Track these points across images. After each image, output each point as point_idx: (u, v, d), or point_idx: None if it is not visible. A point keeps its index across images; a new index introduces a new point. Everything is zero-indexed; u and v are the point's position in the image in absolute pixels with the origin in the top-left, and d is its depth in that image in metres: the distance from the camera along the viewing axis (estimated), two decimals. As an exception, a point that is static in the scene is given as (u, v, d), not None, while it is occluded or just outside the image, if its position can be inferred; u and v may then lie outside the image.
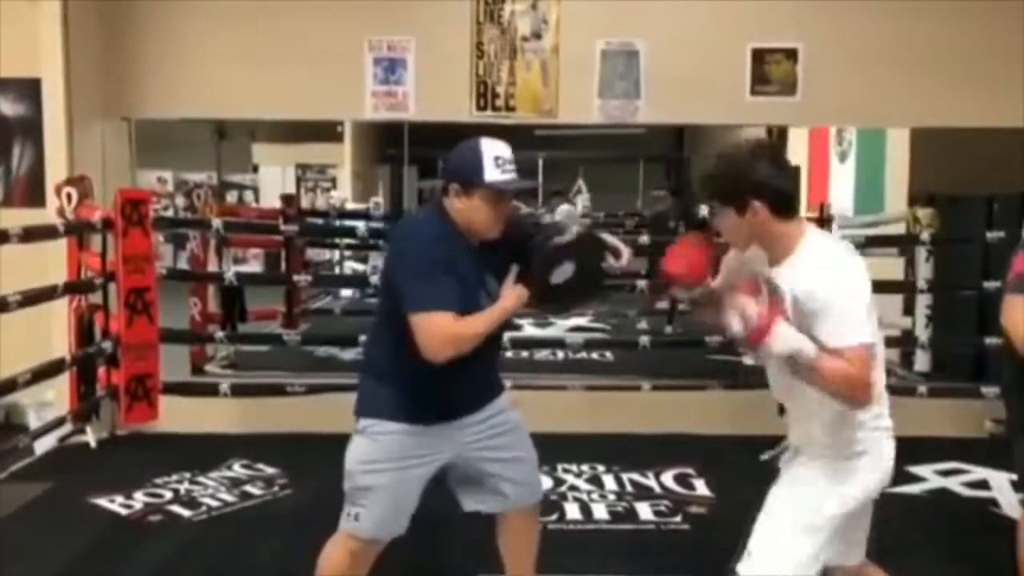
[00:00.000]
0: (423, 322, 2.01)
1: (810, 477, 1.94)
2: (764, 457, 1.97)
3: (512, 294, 2.14)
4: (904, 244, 5.77)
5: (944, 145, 5.36)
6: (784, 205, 1.87)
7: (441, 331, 2.01)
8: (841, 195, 7.83)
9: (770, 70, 4.58)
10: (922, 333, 5.54)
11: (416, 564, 2.32)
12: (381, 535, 2.20)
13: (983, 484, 3.88)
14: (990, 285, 4.76)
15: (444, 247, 2.08)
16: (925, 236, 5.12)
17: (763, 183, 1.85)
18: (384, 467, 2.15)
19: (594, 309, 8.03)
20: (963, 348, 5.17)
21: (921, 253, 5.42)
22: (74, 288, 4.28)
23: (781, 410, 3.22)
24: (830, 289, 1.78)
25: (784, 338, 1.75)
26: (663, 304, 8.14)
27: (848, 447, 1.91)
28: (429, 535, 2.28)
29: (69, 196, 4.24)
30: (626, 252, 2.26)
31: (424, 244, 2.10)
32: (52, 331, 4.36)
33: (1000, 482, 3.84)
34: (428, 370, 2.07)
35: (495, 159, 2.07)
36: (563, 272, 2.18)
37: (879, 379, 1.89)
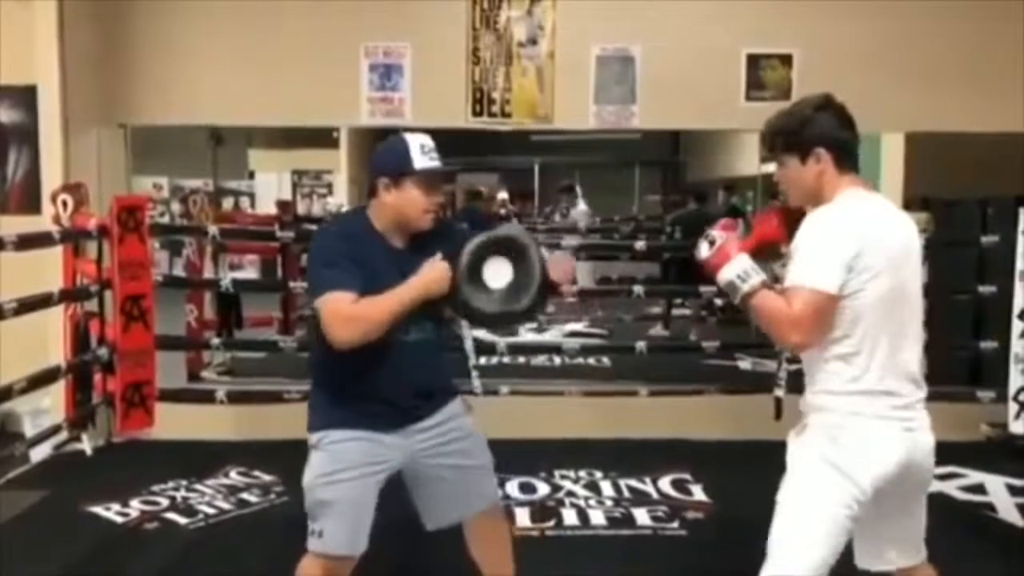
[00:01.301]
0: (321, 307, 2.00)
1: (807, 465, 1.89)
2: None
3: (434, 268, 2.08)
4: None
5: (938, 149, 5.37)
6: (846, 156, 1.91)
7: (337, 312, 1.98)
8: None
9: (765, 75, 4.59)
10: (918, 337, 5.53)
11: (403, 564, 2.30)
12: (342, 550, 2.15)
13: (979, 488, 3.89)
14: (985, 289, 4.78)
15: (352, 243, 2.08)
16: (920, 240, 5.12)
17: (828, 133, 1.90)
18: (341, 477, 2.12)
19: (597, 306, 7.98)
20: (959, 352, 5.17)
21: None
22: (70, 295, 4.27)
23: (778, 414, 3.24)
24: (807, 233, 1.83)
25: (735, 267, 1.83)
26: (658, 309, 8.16)
27: (825, 414, 1.87)
28: (416, 535, 2.27)
29: (65, 203, 4.23)
30: (568, 257, 2.25)
31: (329, 237, 2.15)
32: (48, 338, 4.35)
33: (996, 486, 3.85)
34: (362, 378, 2.08)
35: (421, 147, 2.13)
36: (499, 272, 2.12)
37: (866, 344, 1.83)
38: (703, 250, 1.91)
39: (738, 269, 1.85)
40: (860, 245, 1.81)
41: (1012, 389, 4.30)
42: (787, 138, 1.95)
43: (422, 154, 2.11)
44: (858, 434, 1.84)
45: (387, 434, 2.16)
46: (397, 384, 2.13)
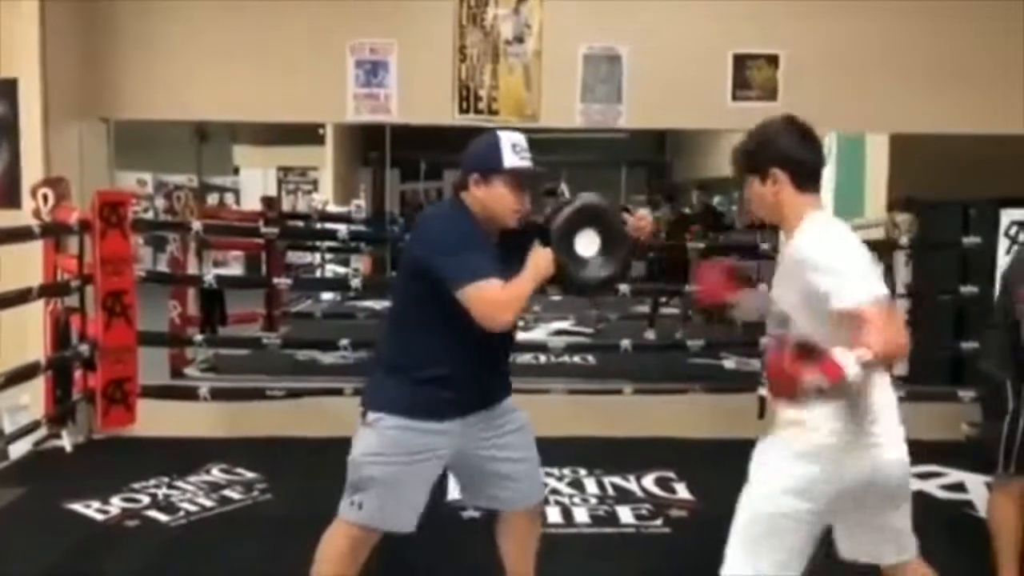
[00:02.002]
0: (475, 293, 2.03)
1: (764, 473, 1.92)
2: None
3: (539, 255, 2.15)
4: (883, 249, 5.82)
5: (922, 151, 5.41)
6: (804, 176, 1.93)
7: (497, 298, 2.04)
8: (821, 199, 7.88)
9: (751, 76, 4.61)
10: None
11: (392, 569, 2.30)
12: (381, 525, 2.22)
13: (960, 487, 3.92)
14: (967, 290, 4.82)
15: (468, 226, 2.13)
16: (904, 241, 5.16)
17: (785, 153, 1.92)
18: (388, 460, 2.16)
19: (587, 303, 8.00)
20: (940, 352, 5.21)
21: (900, 258, 5.47)
22: (50, 290, 4.23)
23: (761, 413, 3.24)
24: (828, 252, 1.81)
25: (851, 362, 1.65)
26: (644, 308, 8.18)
27: (804, 440, 1.87)
28: (405, 536, 2.27)
29: (45, 197, 4.19)
30: (645, 212, 2.33)
31: (447, 223, 2.17)
32: (27, 334, 4.31)
33: (976, 485, 3.88)
34: (438, 365, 2.12)
35: (513, 146, 2.15)
36: (589, 242, 2.21)
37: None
38: (818, 396, 1.69)
39: (852, 356, 1.65)
40: (865, 254, 1.86)
41: (992, 389, 4.33)
42: (747, 158, 1.99)
43: (513, 153, 2.14)
44: (818, 445, 1.86)
45: (446, 423, 2.19)
46: (472, 374, 2.18)
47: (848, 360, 1.66)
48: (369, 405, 2.23)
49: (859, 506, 1.92)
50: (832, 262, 1.80)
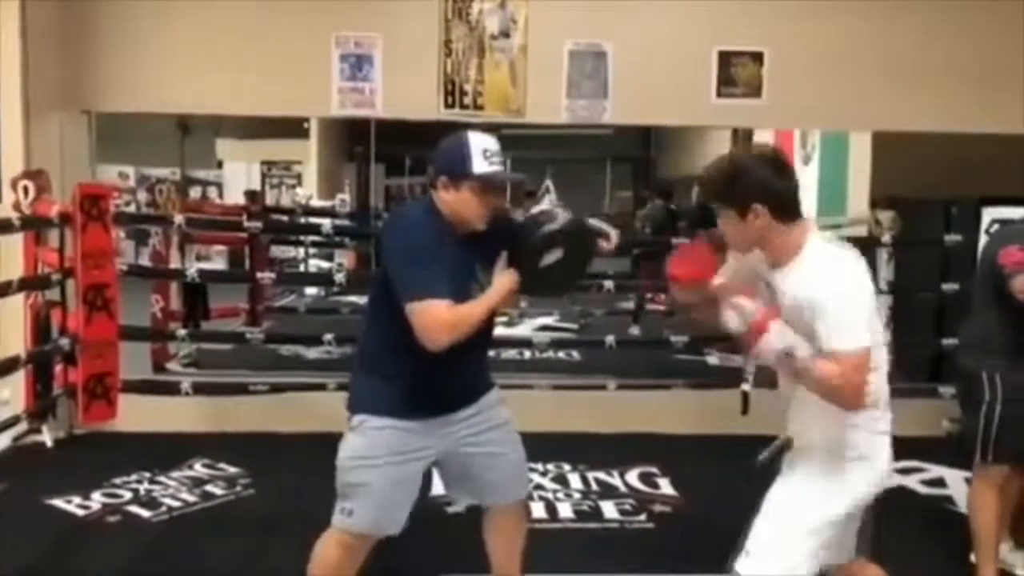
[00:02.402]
0: (419, 309, 2.01)
1: (810, 478, 1.96)
2: (760, 459, 1.99)
3: (505, 278, 2.15)
4: (866, 246, 5.85)
5: (905, 149, 5.44)
6: (786, 209, 1.89)
7: (437, 319, 2.01)
8: (805, 197, 7.92)
9: (736, 73, 4.62)
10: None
11: (378, 565, 2.30)
12: (374, 530, 2.21)
13: (940, 482, 3.96)
14: (948, 287, 4.87)
15: (430, 235, 2.09)
16: (886, 238, 5.20)
17: (764, 187, 1.87)
18: (376, 462, 2.16)
19: (568, 300, 8.01)
20: (921, 349, 5.26)
21: (882, 255, 5.51)
22: (30, 284, 4.19)
23: (744, 410, 3.26)
24: (829, 292, 1.80)
25: (779, 336, 1.79)
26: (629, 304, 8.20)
27: (845, 449, 1.93)
28: (391, 536, 2.26)
29: (26, 190, 4.14)
30: (615, 235, 2.31)
31: (410, 232, 2.14)
32: (7, 328, 4.26)
33: (956, 480, 3.92)
34: (419, 364, 2.10)
35: (483, 151, 2.11)
36: (555, 256, 2.19)
37: (879, 383, 1.93)
38: (733, 323, 1.86)
39: (784, 338, 1.81)
40: (870, 291, 1.87)
41: (972, 385, 4.37)
42: (725, 193, 1.92)
43: (483, 158, 2.11)
44: (872, 462, 1.95)
45: (429, 422, 2.19)
46: (451, 375, 2.17)
47: (782, 335, 1.78)
48: (352, 408, 2.21)
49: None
50: (839, 295, 1.81)
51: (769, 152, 2.00)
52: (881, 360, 1.93)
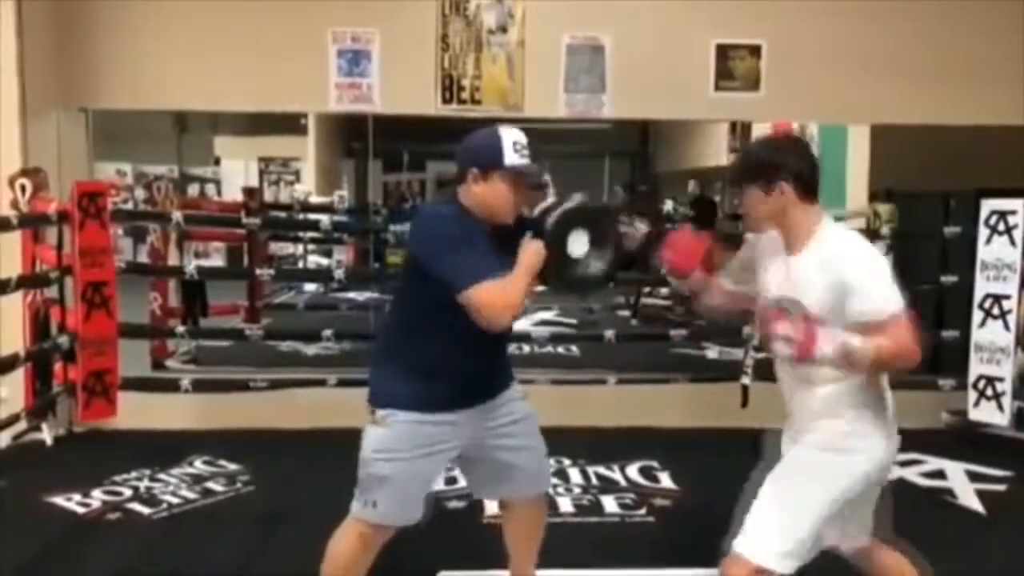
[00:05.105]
0: (476, 296, 2.02)
1: (809, 458, 1.99)
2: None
3: (530, 249, 2.14)
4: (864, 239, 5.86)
5: (903, 142, 5.44)
6: (809, 190, 2.00)
7: (494, 302, 2.02)
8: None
9: (734, 66, 4.62)
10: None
11: (378, 562, 2.30)
12: (395, 522, 2.23)
13: (939, 474, 3.97)
14: (947, 279, 4.87)
15: (463, 226, 2.11)
16: (885, 231, 5.20)
17: (792, 166, 1.99)
18: (400, 456, 2.17)
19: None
20: (920, 341, 5.26)
21: (881, 248, 5.51)
22: (28, 282, 4.18)
23: (744, 403, 3.25)
24: (857, 268, 1.90)
25: (829, 339, 1.83)
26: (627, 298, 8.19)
27: (848, 438, 1.97)
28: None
29: (23, 188, 4.14)
30: (642, 225, 2.34)
31: (443, 222, 2.15)
32: (6, 326, 4.25)
33: (956, 472, 3.93)
34: (444, 357, 2.13)
35: (513, 144, 2.14)
36: (579, 242, 2.20)
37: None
38: (783, 350, 1.87)
39: (836, 340, 1.83)
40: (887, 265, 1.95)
41: (972, 377, 4.38)
42: (757, 169, 2.03)
43: (514, 151, 2.13)
44: (873, 446, 2.01)
45: (454, 415, 2.20)
46: (476, 366, 2.19)
47: (833, 338, 1.82)
48: (376, 401, 2.22)
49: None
50: (864, 265, 1.91)
51: (797, 138, 2.08)
52: None
